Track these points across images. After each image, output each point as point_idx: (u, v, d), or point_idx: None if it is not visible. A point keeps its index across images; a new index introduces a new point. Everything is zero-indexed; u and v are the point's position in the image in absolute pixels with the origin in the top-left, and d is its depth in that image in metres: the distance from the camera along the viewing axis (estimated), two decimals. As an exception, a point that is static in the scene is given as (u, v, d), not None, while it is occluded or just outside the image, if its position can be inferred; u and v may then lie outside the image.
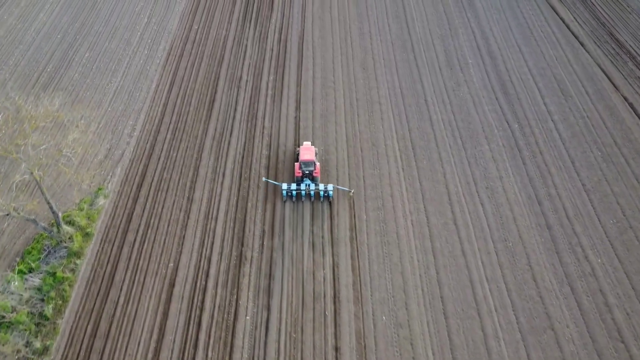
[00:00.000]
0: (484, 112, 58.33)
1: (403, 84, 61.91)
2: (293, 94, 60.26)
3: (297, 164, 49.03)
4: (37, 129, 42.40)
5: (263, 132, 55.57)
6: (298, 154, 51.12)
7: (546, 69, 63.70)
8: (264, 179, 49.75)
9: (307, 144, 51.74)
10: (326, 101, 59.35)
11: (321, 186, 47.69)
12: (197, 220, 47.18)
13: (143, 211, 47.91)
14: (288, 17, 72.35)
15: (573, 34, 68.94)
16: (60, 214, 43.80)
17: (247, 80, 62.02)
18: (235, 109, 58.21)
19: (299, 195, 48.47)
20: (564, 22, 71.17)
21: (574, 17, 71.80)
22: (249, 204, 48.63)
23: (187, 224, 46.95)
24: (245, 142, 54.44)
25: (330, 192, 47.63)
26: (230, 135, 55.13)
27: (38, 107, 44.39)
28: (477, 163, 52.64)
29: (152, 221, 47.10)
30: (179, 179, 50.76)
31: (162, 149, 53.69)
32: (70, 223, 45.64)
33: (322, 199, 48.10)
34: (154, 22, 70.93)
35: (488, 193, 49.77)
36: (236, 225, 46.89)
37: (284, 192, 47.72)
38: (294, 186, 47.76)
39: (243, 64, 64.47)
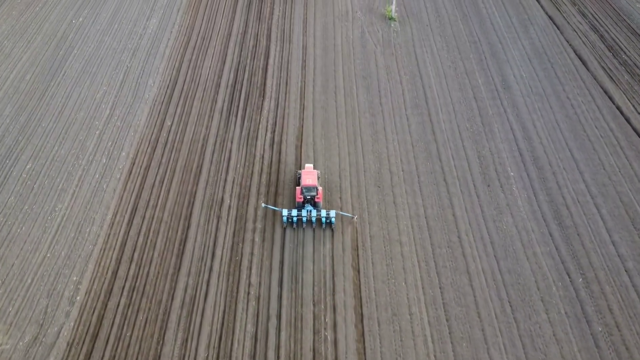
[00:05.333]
0: (536, 256, 44.93)
1: (429, 211, 48.43)
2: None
3: (298, 189, 46.88)
4: None
5: (249, 294, 42.04)
6: (299, 178, 48.17)
7: (608, 186, 50.34)
8: (263, 204, 47.23)
9: (309, 166, 48.95)
10: (331, 241, 45.88)
11: (323, 212, 45.71)
12: None
13: None
14: (284, 107, 58.88)
15: (635, 131, 55.70)
16: None
17: (229, 206, 48.57)
18: (214, 254, 44.67)
19: (300, 221, 46.72)
20: (621, 113, 57.92)
21: (634, 107, 58.52)
22: None
23: None
24: (224, 313, 40.86)
25: (333, 219, 45.57)
26: (205, 301, 41.54)
27: None
28: (534, 346, 39.19)
29: None
30: (132, 380, 37.27)
31: (112, 324, 40.05)
32: None
33: (324, 225, 45.99)
34: (117, 116, 57.29)
35: (554, 402, 36.41)
36: None
37: (285, 217, 45.88)
38: (294, 212, 45.92)
39: (226, 179, 50.97)
